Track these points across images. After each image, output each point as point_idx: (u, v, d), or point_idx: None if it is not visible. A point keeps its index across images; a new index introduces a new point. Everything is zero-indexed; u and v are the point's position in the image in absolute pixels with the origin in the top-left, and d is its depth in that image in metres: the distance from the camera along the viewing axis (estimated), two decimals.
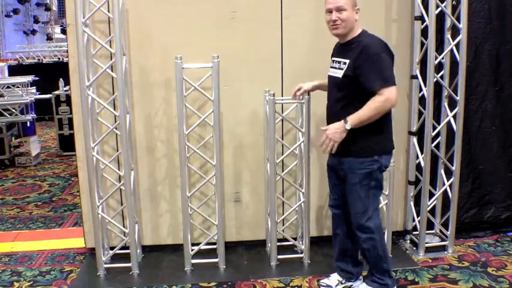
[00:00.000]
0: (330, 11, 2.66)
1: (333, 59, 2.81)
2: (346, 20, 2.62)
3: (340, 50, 2.76)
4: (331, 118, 2.74)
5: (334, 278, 3.09)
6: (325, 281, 3.11)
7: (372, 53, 2.56)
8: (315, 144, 3.19)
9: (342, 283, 3.06)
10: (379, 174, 2.75)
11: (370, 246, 2.80)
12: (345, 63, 2.66)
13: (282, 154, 3.45)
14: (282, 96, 3.43)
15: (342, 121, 2.62)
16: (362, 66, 2.58)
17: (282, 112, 3.40)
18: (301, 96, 3.09)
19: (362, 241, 2.81)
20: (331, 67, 2.81)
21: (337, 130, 2.62)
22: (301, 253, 3.46)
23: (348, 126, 2.60)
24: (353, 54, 2.62)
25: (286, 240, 3.53)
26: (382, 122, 2.66)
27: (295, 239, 3.57)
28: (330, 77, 2.82)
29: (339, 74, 2.69)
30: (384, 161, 2.74)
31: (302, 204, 3.38)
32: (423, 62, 3.38)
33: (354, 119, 2.60)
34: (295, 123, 3.29)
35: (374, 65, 2.55)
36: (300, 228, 3.56)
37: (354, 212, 2.80)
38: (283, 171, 3.52)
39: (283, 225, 3.58)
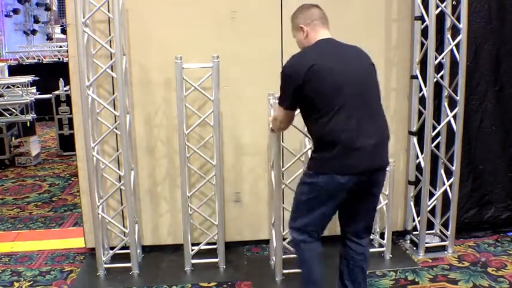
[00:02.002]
0: None
1: None
2: (297, 43, 2.67)
3: None
4: None
5: None
6: None
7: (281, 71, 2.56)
8: None
9: None
10: (312, 191, 2.48)
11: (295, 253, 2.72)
12: None
13: (283, 157, 3.36)
14: None
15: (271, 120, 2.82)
16: None
17: None
18: None
19: None
20: None
21: (269, 121, 2.89)
22: None
23: (269, 127, 2.86)
24: None
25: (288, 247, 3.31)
26: (322, 142, 2.44)
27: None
28: None
29: None
30: (320, 181, 2.43)
31: None
32: (423, 62, 3.38)
33: (272, 123, 2.80)
34: (301, 129, 3.07)
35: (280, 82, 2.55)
36: None
37: None
38: (283, 177, 3.34)
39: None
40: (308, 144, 3.16)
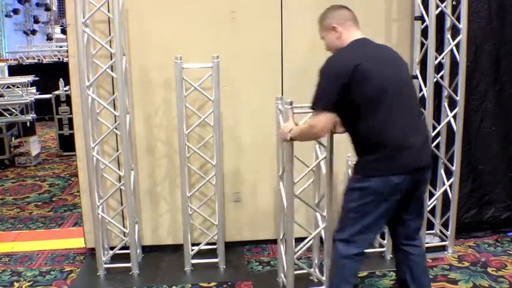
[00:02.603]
0: None
1: None
2: (327, 45, 2.56)
3: None
4: None
5: None
6: None
7: (319, 70, 2.39)
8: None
9: None
10: (364, 197, 2.36)
11: (331, 268, 2.59)
12: None
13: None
14: (282, 95, 3.42)
15: (290, 128, 2.56)
16: None
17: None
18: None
19: None
20: None
21: (283, 130, 2.61)
22: (321, 286, 2.98)
23: (288, 137, 2.56)
24: None
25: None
26: (372, 143, 2.34)
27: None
28: None
29: None
30: (372, 184, 2.33)
31: (322, 230, 2.92)
32: (423, 62, 3.38)
33: (293, 132, 2.54)
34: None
35: (316, 84, 2.38)
36: (316, 255, 3.15)
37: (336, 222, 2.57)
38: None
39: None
40: (320, 154, 2.89)
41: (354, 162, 2.48)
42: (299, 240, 3.05)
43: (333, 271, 2.55)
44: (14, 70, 8.78)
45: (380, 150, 2.32)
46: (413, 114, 2.44)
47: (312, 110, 2.43)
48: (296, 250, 2.88)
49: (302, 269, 2.99)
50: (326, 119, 2.34)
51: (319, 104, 2.35)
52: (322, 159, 2.85)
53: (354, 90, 2.29)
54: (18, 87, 6.27)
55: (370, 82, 2.29)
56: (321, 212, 2.93)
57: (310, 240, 3.06)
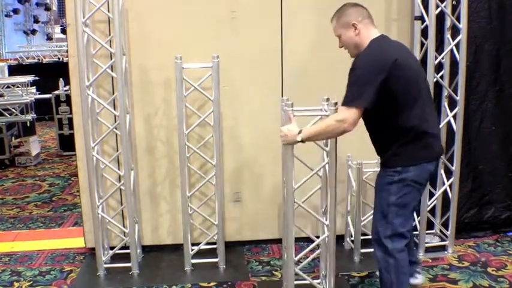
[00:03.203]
0: None
1: None
2: (344, 43, 2.55)
3: None
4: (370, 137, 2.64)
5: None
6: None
7: (351, 67, 2.41)
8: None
9: None
10: (403, 188, 2.45)
11: (383, 269, 2.54)
12: None
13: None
14: (282, 95, 3.43)
15: (297, 129, 2.46)
16: None
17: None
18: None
19: (377, 259, 2.58)
20: None
21: (288, 133, 2.48)
22: None
23: (299, 138, 2.44)
24: None
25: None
26: (410, 133, 2.42)
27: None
28: None
29: None
30: (411, 174, 2.43)
31: (326, 238, 2.79)
32: (423, 62, 3.37)
33: (306, 132, 2.44)
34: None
35: (348, 79, 2.39)
36: (323, 265, 2.98)
37: (374, 223, 2.59)
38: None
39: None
40: (326, 157, 2.68)
41: (387, 157, 2.51)
42: (309, 240, 2.95)
43: (388, 270, 2.52)
44: (14, 70, 8.78)
45: (421, 139, 2.44)
46: (432, 106, 2.61)
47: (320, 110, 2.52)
48: (297, 259, 2.72)
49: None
50: (357, 114, 2.34)
51: (355, 99, 2.34)
52: (326, 163, 2.68)
53: (393, 83, 2.35)
54: (18, 87, 6.27)
55: (406, 74, 2.40)
56: (323, 220, 2.78)
57: (316, 245, 2.89)
